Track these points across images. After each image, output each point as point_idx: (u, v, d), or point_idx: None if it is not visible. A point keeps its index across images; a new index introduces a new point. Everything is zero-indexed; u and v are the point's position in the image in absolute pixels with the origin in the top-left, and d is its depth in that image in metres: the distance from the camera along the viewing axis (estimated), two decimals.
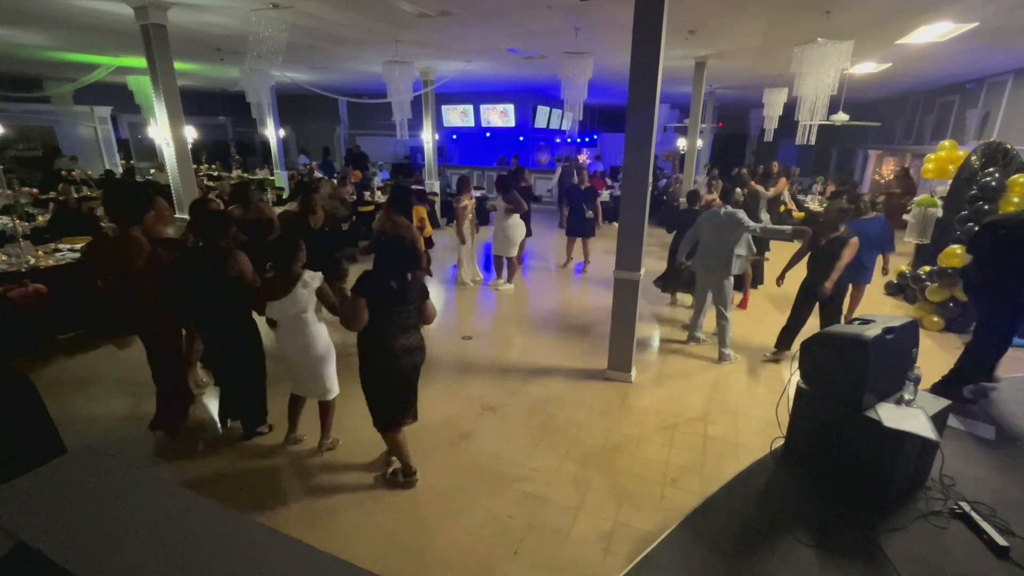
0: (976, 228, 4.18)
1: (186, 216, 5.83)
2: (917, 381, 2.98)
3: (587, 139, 18.89)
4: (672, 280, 6.47)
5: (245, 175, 12.61)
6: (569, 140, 17.68)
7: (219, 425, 3.77)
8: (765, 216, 7.12)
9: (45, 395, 2.70)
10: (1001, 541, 2.61)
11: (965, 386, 4.18)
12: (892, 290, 7.01)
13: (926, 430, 2.73)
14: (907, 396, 2.97)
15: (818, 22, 5.56)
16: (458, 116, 15.57)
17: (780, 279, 4.92)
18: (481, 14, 5.87)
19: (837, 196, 11.33)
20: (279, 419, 3.69)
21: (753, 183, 7.52)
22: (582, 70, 6.89)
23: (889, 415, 2.82)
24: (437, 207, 10.94)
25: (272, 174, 12.75)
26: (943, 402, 3.07)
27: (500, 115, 15.07)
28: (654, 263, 6.48)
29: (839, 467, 3.02)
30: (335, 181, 10.50)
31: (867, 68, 8.55)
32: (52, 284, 5.01)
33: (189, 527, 1.46)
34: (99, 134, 12.58)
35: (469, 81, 11.80)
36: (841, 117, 6.97)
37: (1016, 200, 5.20)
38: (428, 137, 10.80)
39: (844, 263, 4.41)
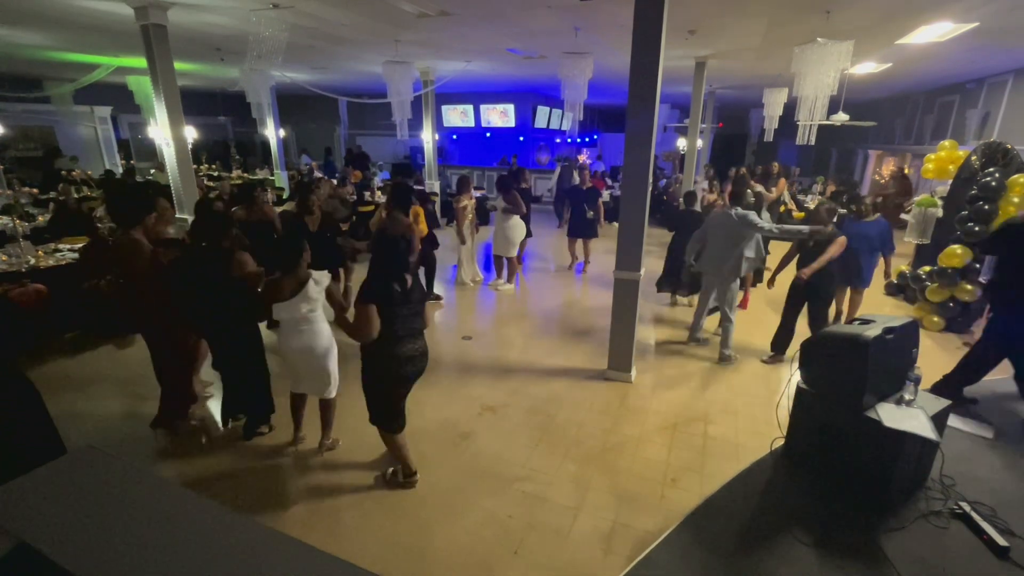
0: (996, 230, 4.18)
1: (187, 216, 5.85)
2: (917, 381, 2.98)
3: (587, 139, 18.89)
4: (671, 281, 6.47)
5: (245, 175, 12.61)
6: (569, 140, 17.68)
7: (220, 425, 3.77)
8: (765, 216, 7.12)
9: (45, 395, 2.70)
10: (1001, 541, 2.61)
11: (967, 386, 4.17)
12: (892, 290, 7.01)
13: (926, 430, 2.73)
14: (907, 396, 2.97)
15: (818, 22, 5.56)
16: (458, 116, 15.57)
17: (771, 282, 4.93)
18: (481, 14, 5.87)
19: (837, 196, 11.36)
20: (280, 420, 3.69)
21: (753, 183, 7.52)
22: (582, 70, 6.89)
23: (889, 415, 2.82)
24: (437, 207, 10.94)
25: (272, 174, 12.75)
26: (943, 402, 3.07)
27: (500, 115, 15.07)
28: (654, 263, 6.48)
29: (839, 467, 3.02)
30: (334, 181, 10.51)
31: (867, 68, 8.55)
32: (52, 284, 5.01)
33: (189, 527, 1.46)
34: (99, 134, 12.58)
35: (469, 81, 11.80)
36: (841, 117, 6.97)
37: (1016, 200, 5.20)
38: (428, 137, 10.80)
39: (828, 257, 4.44)
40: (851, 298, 5.40)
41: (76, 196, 8.20)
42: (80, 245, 5.68)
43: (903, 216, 8.89)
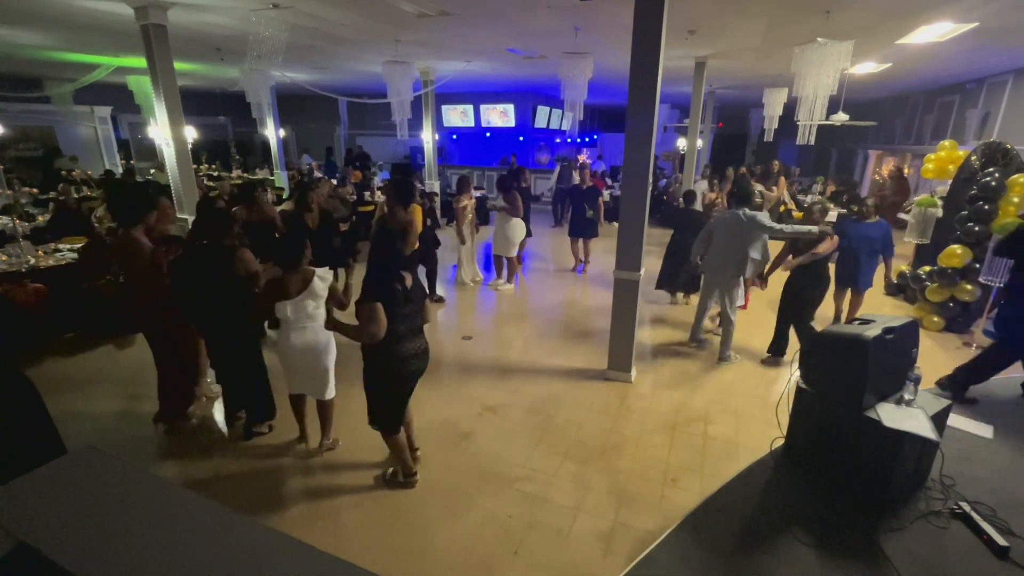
0: (1012, 232, 4.23)
1: (187, 216, 5.85)
2: (917, 381, 2.98)
3: (587, 139, 18.89)
4: (670, 279, 6.47)
5: (245, 175, 12.61)
6: (569, 140, 17.68)
7: (223, 425, 3.76)
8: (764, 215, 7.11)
9: (45, 395, 2.70)
10: (1001, 541, 2.61)
11: (973, 385, 4.19)
12: (892, 290, 7.01)
13: (926, 430, 2.73)
14: (907, 396, 2.97)
15: (818, 22, 5.56)
16: (458, 116, 15.57)
17: (763, 283, 4.93)
18: (481, 14, 5.87)
19: (837, 196, 11.37)
20: (280, 420, 3.69)
21: (753, 183, 7.52)
22: (582, 70, 6.89)
23: (889, 415, 2.82)
24: (437, 207, 10.94)
25: (272, 174, 12.75)
26: (943, 402, 3.07)
27: (500, 115, 15.08)
28: (654, 263, 6.48)
29: (839, 467, 3.02)
30: (334, 182, 10.51)
31: (867, 68, 8.55)
32: (52, 284, 5.01)
33: (189, 527, 1.46)
34: (99, 134, 12.58)
35: (469, 81, 11.80)
36: (841, 117, 6.97)
37: (1016, 200, 5.20)
38: (428, 137, 10.80)
39: (818, 251, 4.46)
40: (851, 300, 5.39)
41: (76, 196, 8.20)
42: (80, 245, 5.68)
43: (901, 216, 8.91)
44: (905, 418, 2.80)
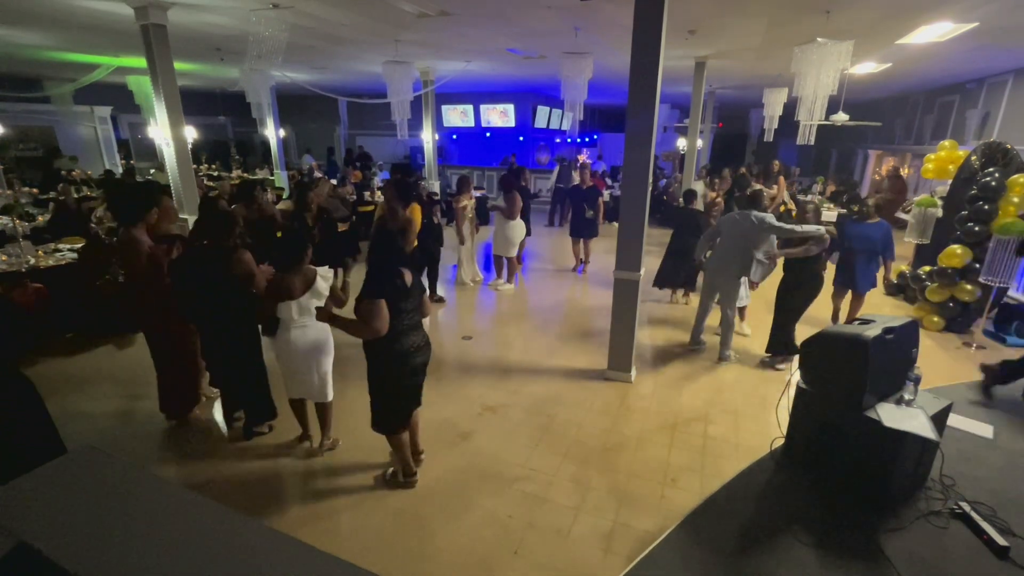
0: None
1: (187, 216, 5.85)
2: (917, 381, 2.98)
3: (587, 139, 18.89)
4: (670, 277, 6.46)
5: (245, 175, 12.61)
6: (569, 140, 17.68)
7: (223, 426, 3.76)
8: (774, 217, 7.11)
9: (45, 395, 2.70)
10: (1001, 541, 2.61)
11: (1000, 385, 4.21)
12: (892, 290, 7.01)
13: (926, 430, 2.73)
14: (907, 396, 2.98)
15: (818, 22, 5.56)
16: (458, 116, 15.57)
17: (755, 283, 4.93)
18: (481, 14, 5.87)
19: (837, 196, 11.36)
20: (280, 420, 3.69)
21: (753, 183, 7.52)
22: (582, 70, 6.89)
23: (889, 415, 2.82)
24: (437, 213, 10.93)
25: (272, 174, 12.75)
26: (943, 402, 3.07)
27: (500, 115, 15.08)
28: (654, 263, 6.47)
29: (839, 467, 3.02)
30: (334, 182, 10.50)
31: (867, 68, 8.55)
32: (52, 284, 5.01)
33: (189, 527, 1.46)
34: (99, 134, 12.58)
35: (469, 81, 11.80)
36: (841, 117, 6.96)
37: (1016, 200, 5.20)
38: (428, 137, 10.80)
39: (806, 248, 4.46)
40: (852, 301, 5.38)
41: (76, 196, 8.20)
42: (80, 245, 5.68)
43: (898, 215, 8.91)
44: (905, 418, 2.81)
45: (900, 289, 6.90)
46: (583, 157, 16.34)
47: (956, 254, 5.54)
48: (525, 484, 3.19)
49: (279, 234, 4.49)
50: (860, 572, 2.50)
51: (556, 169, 12.77)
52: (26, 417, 2.56)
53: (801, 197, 11.16)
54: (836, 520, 2.81)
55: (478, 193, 10.32)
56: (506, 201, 6.78)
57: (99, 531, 1.41)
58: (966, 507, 2.85)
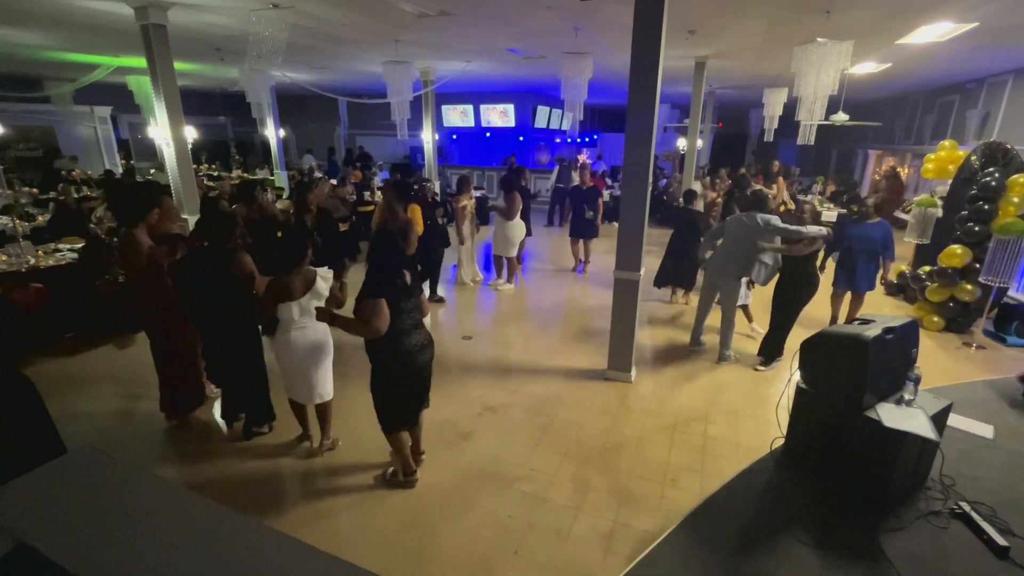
0: None
1: (187, 216, 5.84)
2: (917, 381, 2.98)
3: (587, 139, 18.88)
4: (670, 277, 6.46)
5: (245, 175, 12.62)
6: (569, 140, 17.67)
7: (223, 426, 3.76)
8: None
9: (45, 395, 2.70)
10: (1001, 541, 2.61)
11: None
12: (892, 290, 7.01)
13: (926, 430, 2.73)
14: (907, 396, 2.98)
15: (818, 22, 5.56)
16: (458, 116, 15.57)
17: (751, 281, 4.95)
18: (481, 14, 5.87)
19: (837, 196, 11.37)
20: (280, 420, 3.69)
21: (753, 183, 7.52)
22: (582, 70, 6.89)
23: (889, 415, 2.82)
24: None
25: (272, 174, 12.76)
26: (943, 402, 3.07)
27: (500, 115, 15.07)
28: (654, 263, 6.47)
29: (839, 467, 3.02)
30: (334, 182, 10.50)
31: (867, 68, 8.55)
32: (52, 284, 5.01)
33: (189, 527, 1.46)
34: (99, 134, 12.58)
35: (469, 81, 11.80)
36: (841, 117, 6.96)
37: (1016, 200, 5.20)
38: (428, 137, 10.80)
39: (800, 247, 4.47)
40: (851, 302, 5.37)
41: (76, 196, 8.20)
42: (80, 245, 5.69)
43: (898, 215, 8.91)
44: (905, 418, 2.81)
45: (900, 289, 6.90)
46: (583, 157, 16.33)
47: (956, 254, 5.54)
48: (525, 484, 3.19)
49: (279, 234, 4.49)
50: (860, 572, 2.50)
51: (556, 169, 12.77)
52: (26, 417, 2.56)
53: (801, 197, 11.18)
54: (836, 520, 2.81)
55: (478, 193, 10.33)
56: (506, 201, 6.78)
57: (99, 531, 1.41)
58: (966, 507, 2.85)
